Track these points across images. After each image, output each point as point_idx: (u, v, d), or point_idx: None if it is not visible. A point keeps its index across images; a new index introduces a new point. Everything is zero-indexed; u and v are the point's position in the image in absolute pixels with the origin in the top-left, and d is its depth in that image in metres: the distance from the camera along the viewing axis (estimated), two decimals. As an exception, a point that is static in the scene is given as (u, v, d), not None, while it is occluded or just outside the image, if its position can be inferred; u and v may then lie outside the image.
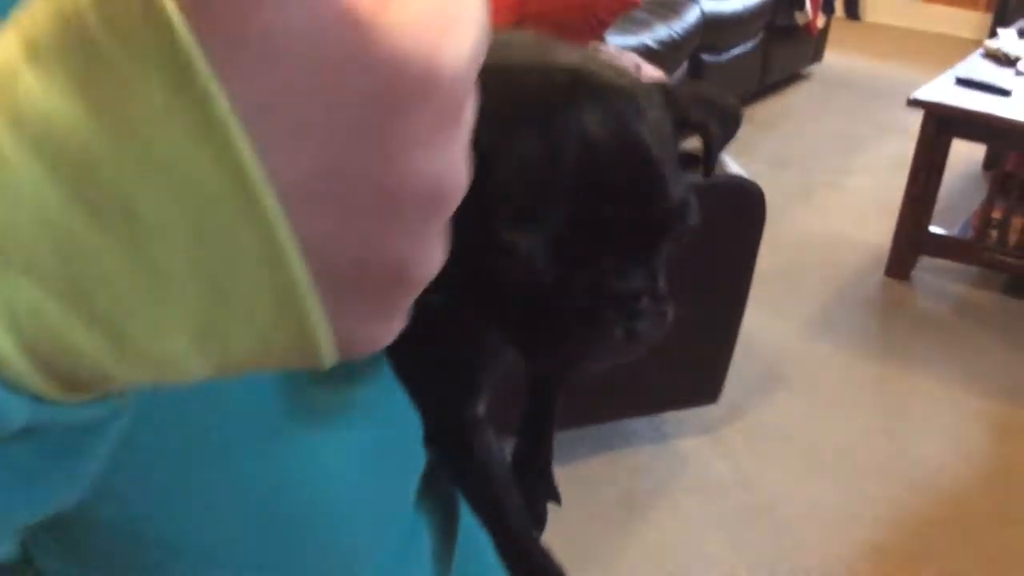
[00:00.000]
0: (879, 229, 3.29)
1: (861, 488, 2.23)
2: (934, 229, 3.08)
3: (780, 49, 4.65)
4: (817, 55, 5.08)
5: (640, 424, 2.37)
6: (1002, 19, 5.28)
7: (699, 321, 2.29)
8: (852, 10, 6.36)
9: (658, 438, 2.35)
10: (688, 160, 1.75)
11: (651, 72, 2.30)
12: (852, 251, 3.30)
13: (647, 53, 3.43)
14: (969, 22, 6.16)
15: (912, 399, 2.58)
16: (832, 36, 5.15)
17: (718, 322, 2.21)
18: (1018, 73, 3.20)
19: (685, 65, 3.91)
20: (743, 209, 2.06)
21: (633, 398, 2.27)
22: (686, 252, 1.97)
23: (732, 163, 2.11)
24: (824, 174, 3.95)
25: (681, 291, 2.01)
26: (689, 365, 2.25)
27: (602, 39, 2.41)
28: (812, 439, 2.39)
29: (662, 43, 3.62)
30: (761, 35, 4.45)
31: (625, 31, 3.45)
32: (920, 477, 2.27)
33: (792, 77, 4.99)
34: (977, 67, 3.24)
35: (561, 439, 2.33)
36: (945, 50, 5.12)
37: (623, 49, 2.37)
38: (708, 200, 1.74)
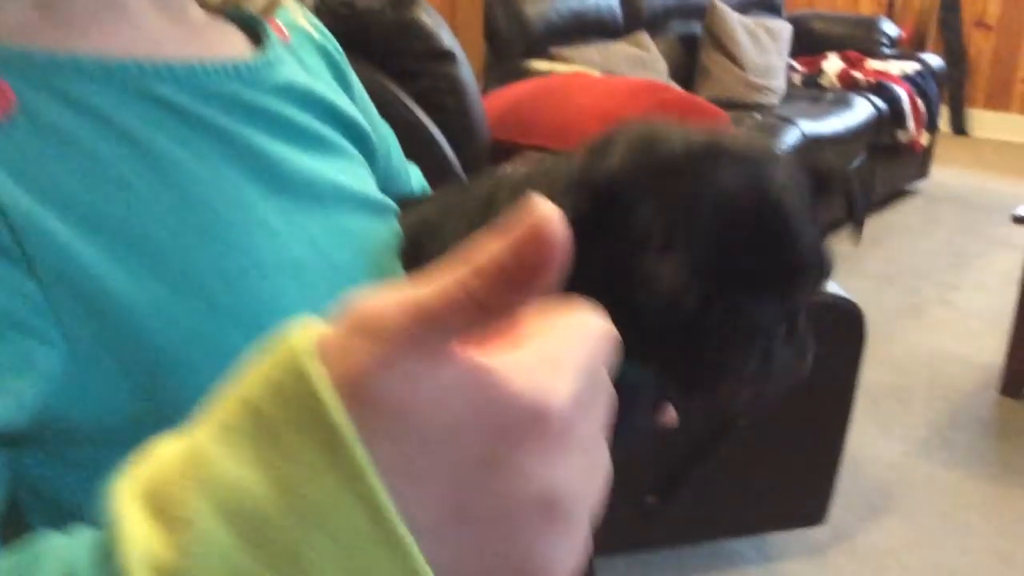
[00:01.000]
0: (991, 346, 3.23)
1: (977, 616, 2.15)
2: (1048, 347, 3.01)
3: (884, 167, 4.66)
4: (923, 171, 5.07)
5: (744, 545, 2.35)
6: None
7: (804, 441, 2.31)
8: (958, 126, 6.33)
9: (762, 560, 2.32)
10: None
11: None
12: (963, 369, 3.24)
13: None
14: (1081, 135, 6.07)
15: (1030, 523, 2.49)
16: (938, 152, 5.14)
17: (823, 442, 2.20)
18: None
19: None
20: (844, 329, 2.07)
21: (737, 518, 2.26)
22: None
23: (832, 283, 2.13)
24: (932, 290, 3.90)
25: (785, 412, 2.07)
26: (794, 485, 2.24)
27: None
28: (921, 563, 2.32)
29: (762, 164, 3.67)
30: (864, 154, 4.47)
31: (725, 154, 3.53)
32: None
33: (898, 193, 4.98)
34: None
35: (665, 557, 2.36)
36: (1057, 164, 5.05)
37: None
38: (808, 320, 1.77)
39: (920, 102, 4.67)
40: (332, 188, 0.66)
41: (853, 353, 2.11)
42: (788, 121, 4.04)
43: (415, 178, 0.95)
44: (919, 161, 4.98)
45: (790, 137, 3.91)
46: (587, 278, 0.41)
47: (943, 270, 4.11)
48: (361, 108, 0.80)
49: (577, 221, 0.40)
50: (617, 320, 0.41)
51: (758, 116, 4.09)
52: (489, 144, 2.06)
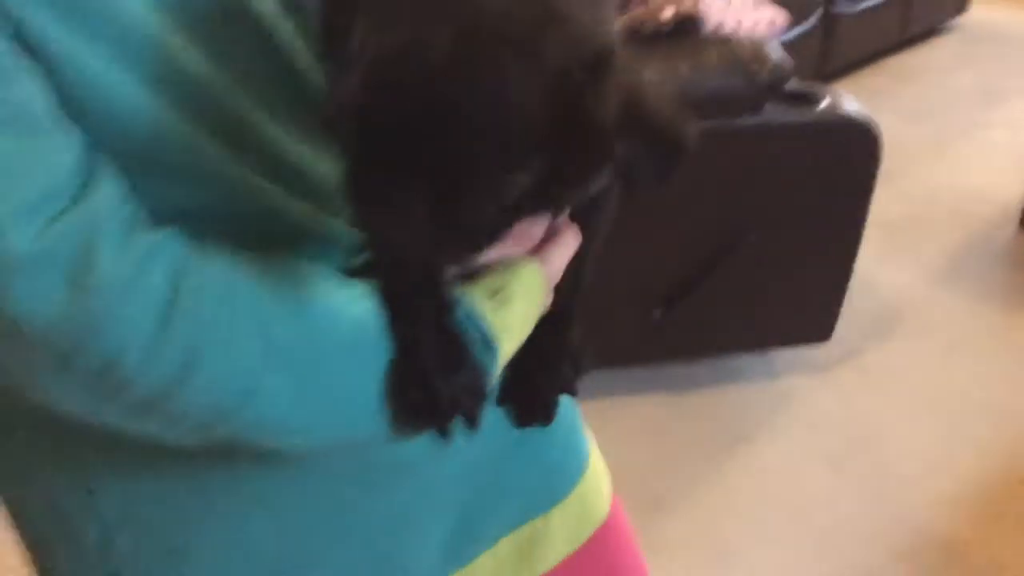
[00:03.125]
0: (1015, 183, 3.21)
1: (974, 433, 2.21)
2: (1072, 180, 2.99)
3: (922, 1, 4.52)
4: (962, 6, 4.91)
5: (750, 361, 2.42)
6: None
7: (813, 258, 2.33)
8: None
9: (767, 375, 2.39)
10: (795, 97, 1.79)
11: (772, 12, 2.33)
12: (985, 204, 3.23)
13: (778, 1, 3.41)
14: None
15: (1032, 350, 2.53)
16: (979, -12, 4.98)
17: (832, 260, 2.23)
18: None
19: (820, 12, 3.86)
20: (858, 147, 2.07)
21: (743, 333, 2.32)
22: (798, 190, 2.06)
23: (852, 101, 2.12)
24: (960, 127, 3.84)
25: (794, 227, 2.10)
26: (801, 302, 2.28)
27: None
28: (926, 382, 2.38)
29: (793, -8, 3.58)
30: (901, -16, 4.33)
31: (754, -20, 3.44)
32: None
33: (935, 30, 4.84)
34: None
35: (673, 370, 2.43)
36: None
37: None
38: (820, 137, 1.81)
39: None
40: None
41: (867, 172, 2.11)
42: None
43: None
44: (960, -6, 4.83)
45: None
46: None
47: (973, 108, 4.04)
48: None
49: None
50: None
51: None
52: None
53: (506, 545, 0.78)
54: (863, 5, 4.09)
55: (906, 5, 4.41)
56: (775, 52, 2.04)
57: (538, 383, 0.70)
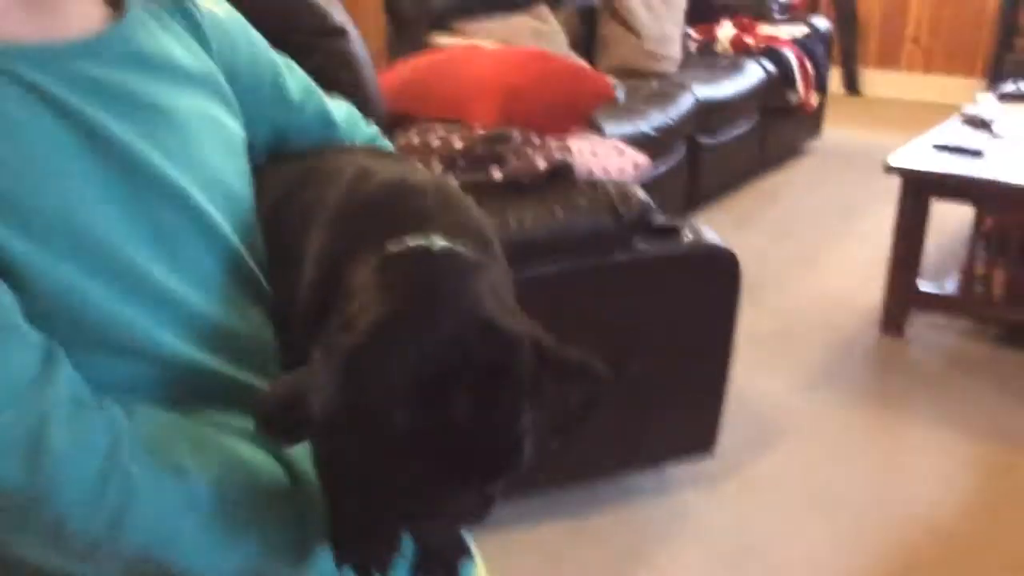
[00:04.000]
0: (873, 290, 3.46)
1: (855, 530, 2.36)
2: (924, 287, 3.25)
3: (777, 128, 4.89)
4: (815, 131, 5.32)
5: (644, 479, 2.54)
6: (996, 83, 5.49)
7: (689, 379, 2.49)
8: (852, 86, 6.60)
9: (660, 491, 2.51)
10: (661, 231, 2.00)
11: (634, 156, 2.54)
12: (850, 312, 3.47)
13: (645, 140, 3.67)
14: (967, 89, 6.38)
15: (906, 446, 2.72)
16: (832, 112, 5.40)
17: (706, 378, 2.39)
18: (993, 136, 3.39)
19: (684, 149, 4.14)
20: (718, 272, 2.26)
21: (633, 451, 2.45)
22: (670, 315, 2.26)
23: (707, 230, 2.31)
24: (823, 242, 4.14)
25: (671, 354, 2.29)
26: (683, 419, 2.43)
27: (590, 126, 2.65)
28: (807, 486, 2.54)
29: (659, 129, 3.87)
30: (757, 116, 4.69)
31: (622, 120, 3.70)
32: (913, 516, 2.41)
33: (792, 152, 5.22)
34: (954, 132, 3.44)
35: (569, 496, 2.55)
36: (943, 117, 5.32)
37: (609, 138, 2.60)
38: (686, 266, 2.01)
39: (809, 64, 4.90)
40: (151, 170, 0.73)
41: (729, 294, 2.29)
42: (684, 87, 4.23)
43: (339, 109, 1.04)
44: (811, 121, 5.23)
45: (685, 102, 4.11)
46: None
47: (832, 223, 4.36)
48: (223, 61, 0.89)
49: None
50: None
51: (655, 84, 4.27)
52: (385, 116, 2.20)
53: None
54: (723, 136, 4.41)
55: (763, 133, 4.76)
56: (639, 192, 2.23)
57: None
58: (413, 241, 0.65)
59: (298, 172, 0.86)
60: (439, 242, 0.65)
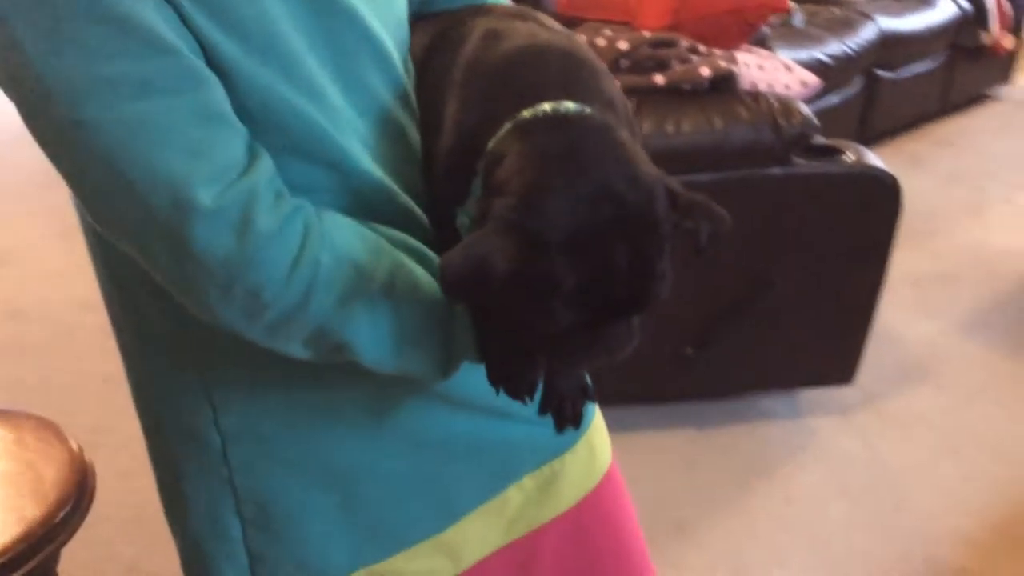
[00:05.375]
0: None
1: (989, 474, 2.31)
2: (1101, 242, 3.08)
3: (965, 69, 4.65)
4: (1006, 76, 5.03)
5: (777, 403, 2.54)
6: None
7: (837, 304, 2.46)
8: None
9: (793, 415, 2.50)
10: (821, 150, 1.99)
11: (803, 75, 2.48)
12: (1015, 263, 3.33)
13: (820, 68, 3.57)
14: None
15: (1058, 401, 2.62)
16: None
17: (853, 306, 2.35)
18: None
19: (861, 82, 4.01)
20: (877, 198, 2.21)
21: (770, 374, 2.45)
22: (823, 237, 2.24)
23: (872, 155, 2.26)
24: (998, 191, 3.96)
25: (820, 276, 2.29)
26: (825, 346, 2.41)
27: (758, 41, 2.60)
28: (943, 427, 2.48)
29: (835, 58, 3.74)
30: (945, 55, 4.47)
31: (796, 44, 3.61)
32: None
33: (978, 98, 4.97)
34: None
35: (700, 410, 2.58)
36: None
37: (780, 57, 2.54)
38: (844, 187, 2.00)
39: (1006, 4, 4.63)
40: None
41: (887, 222, 2.24)
42: (867, 16, 4.07)
43: None
44: (1002, 65, 4.95)
45: (867, 32, 3.96)
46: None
47: (1010, 173, 4.15)
48: None
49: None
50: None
51: (837, 10, 4.12)
52: (553, 13, 2.22)
53: (530, 481, 0.95)
54: (905, 73, 4.24)
55: (948, 74, 4.54)
56: (803, 108, 2.19)
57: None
58: (546, 106, 0.70)
59: (435, 34, 0.89)
60: (570, 106, 0.70)
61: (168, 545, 0.91)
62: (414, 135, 0.83)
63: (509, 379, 0.77)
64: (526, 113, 0.70)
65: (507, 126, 0.70)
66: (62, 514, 1.30)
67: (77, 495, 1.34)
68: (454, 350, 0.77)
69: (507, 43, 0.79)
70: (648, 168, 0.69)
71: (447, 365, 0.77)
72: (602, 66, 0.80)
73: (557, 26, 0.87)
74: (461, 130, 0.76)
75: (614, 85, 0.79)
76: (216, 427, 0.81)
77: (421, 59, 0.88)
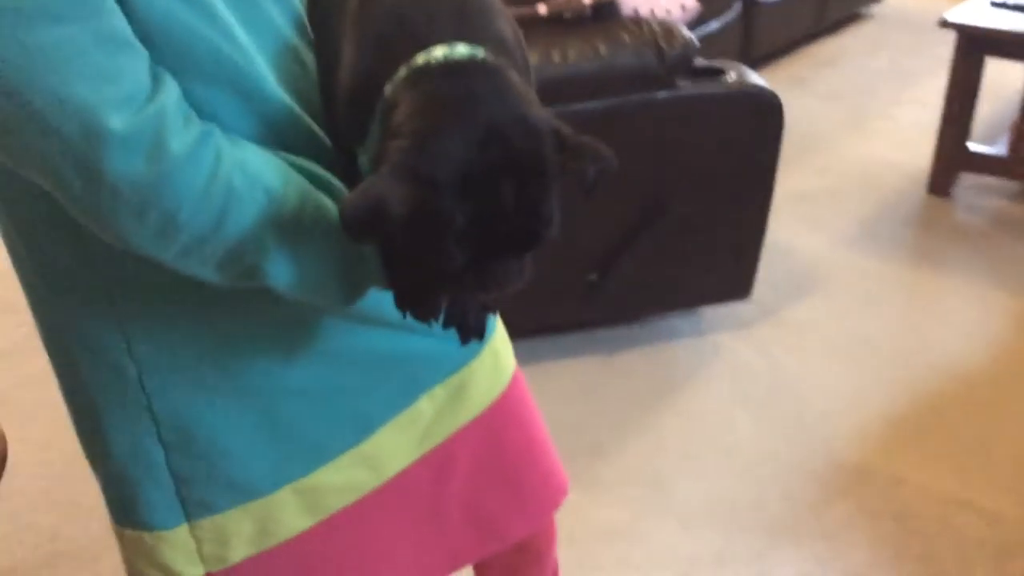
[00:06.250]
0: (926, 154, 3.43)
1: (882, 373, 2.42)
2: (973, 147, 3.22)
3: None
4: (878, -6, 5.18)
5: (679, 321, 2.61)
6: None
7: (727, 222, 2.53)
8: None
9: (696, 333, 2.58)
10: (704, 71, 2.02)
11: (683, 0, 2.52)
12: (898, 174, 3.46)
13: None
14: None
15: (942, 299, 2.75)
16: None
17: (745, 223, 2.42)
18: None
19: (739, 6, 4.08)
20: (760, 114, 2.27)
21: (671, 295, 2.51)
22: (712, 157, 2.31)
23: (754, 75, 2.32)
24: (876, 106, 4.09)
25: (712, 195, 2.35)
26: (721, 263, 2.48)
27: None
28: (839, 333, 2.59)
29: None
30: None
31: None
32: (940, 363, 2.46)
33: (853, 16, 5.10)
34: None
35: (607, 336, 2.64)
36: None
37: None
38: (728, 106, 2.04)
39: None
40: None
41: (771, 138, 2.31)
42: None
43: None
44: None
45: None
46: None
47: (889, 87, 4.29)
48: None
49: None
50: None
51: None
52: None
53: (440, 391, 0.98)
54: (779, -4, 4.33)
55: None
56: (684, 31, 2.24)
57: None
58: (439, 51, 0.72)
59: None
60: (462, 50, 0.72)
61: (88, 511, 0.92)
62: (311, 61, 0.85)
63: (414, 305, 0.80)
64: (419, 59, 0.72)
65: (402, 71, 0.72)
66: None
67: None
68: (360, 278, 0.79)
69: None
70: (538, 111, 0.72)
71: (353, 291, 0.80)
72: (496, 6, 0.82)
73: None
74: (357, 72, 0.78)
75: (507, 22, 0.81)
76: (130, 356, 0.82)
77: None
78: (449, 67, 0.71)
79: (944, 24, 3.04)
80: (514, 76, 0.73)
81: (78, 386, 0.86)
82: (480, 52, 0.73)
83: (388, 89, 0.72)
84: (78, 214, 0.69)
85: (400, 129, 0.69)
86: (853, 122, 3.93)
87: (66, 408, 0.90)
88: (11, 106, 0.63)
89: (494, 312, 0.93)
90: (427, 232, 0.68)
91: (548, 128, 0.71)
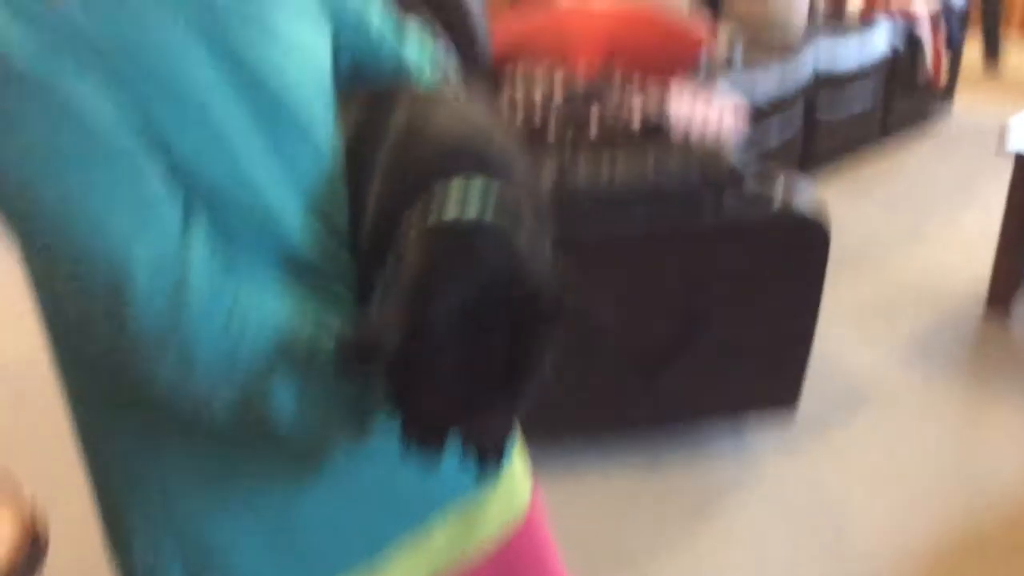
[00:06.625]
0: (985, 269, 3.38)
1: (927, 501, 2.40)
2: (1033, 266, 3.20)
3: (903, 102, 4.81)
4: (946, 104, 5.19)
5: (721, 430, 2.62)
6: None
7: (771, 337, 2.54)
8: (992, 53, 6.17)
9: (737, 446, 2.59)
10: (751, 196, 2.07)
11: (732, 104, 2.59)
12: (956, 290, 3.44)
13: (758, 106, 3.71)
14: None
15: (995, 426, 2.71)
16: (967, 84, 5.34)
17: (789, 338, 2.44)
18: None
19: (800, 120, 4.13)
20: (805, 240, 2.31)
21: (713, 400, 2.53)
22: (757, 277, 2.33)
23: (806, 191, 2.34)
24: (937, 217, 4.07)
25: (751, 308, 2.38)
26: (765, 374, 2.50)
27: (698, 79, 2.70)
28: (885, 455, 2.57)
29: (773, 99, 3.88)
30: (881, 91, 4.63)
31: (735, 82, 3.72)
32: (987, 496, 2.42)
33: (919, 126, 5.10)
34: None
35: (646, 443, 2.64)
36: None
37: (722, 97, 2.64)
38: (773, 232, 2.08)
39: (942, 38, 4.79)
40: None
41: (816, 262, 2.34)
42: (804, 54, 4.17)
43: (411, 50, 1.07)
44: (941, 96, 5.10)
45: (804, 71, 4.09)
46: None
47: (950, 200, 4.27)
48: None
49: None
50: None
51: (775, 47, 4.23)
52: (490, 63, 2.30)
53: (453, 514, 1.02)
54: (840, 114, 4.39)
55: (886, 108, 4.69)
56: (730, 155, 2.29)
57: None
58: (451, 214, 0.78)
59: (358, 120, 0.96)
60: (472, 213, 0.78)
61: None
62: (342, 186, 0.91)
63: (420, 435, 0.84)
64: (432, 220, 0.78)
65: (414, 232, 0.78)
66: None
67: (30, 552, 1.39)
68: (367, 419, 0.85)
69: (423, 148, 0.88)
70: (539, 272, 0.77)
71: (360, 430, 0.85)
72: (513, 153, 0.88)
73: (479, 106, 0.96)
74: (380, 223, 0.85)
75: (525, 172, 0.88)
76: (164, 482, 0.89)
77: (347, 141, 0.95)
78: (456, 229, 0.77)
79: (1000, 152, 3.05)
80: (520, 237, 0.78)
81: (107, 491, 0.93)
82: (488, 216, 0.78)
83: (402, 244, 0.78)
84: (102, 352, 0.77)
85: (402, 278, 0.75)
86: (912, 234, 3.92)
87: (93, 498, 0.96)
88: (41, 258, 0.72)
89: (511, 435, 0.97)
90: (416, 372, 0.73)
91: (546, 289, 0.76)
